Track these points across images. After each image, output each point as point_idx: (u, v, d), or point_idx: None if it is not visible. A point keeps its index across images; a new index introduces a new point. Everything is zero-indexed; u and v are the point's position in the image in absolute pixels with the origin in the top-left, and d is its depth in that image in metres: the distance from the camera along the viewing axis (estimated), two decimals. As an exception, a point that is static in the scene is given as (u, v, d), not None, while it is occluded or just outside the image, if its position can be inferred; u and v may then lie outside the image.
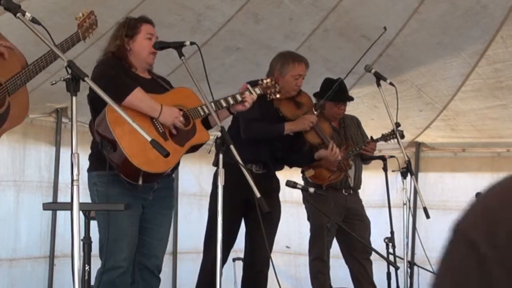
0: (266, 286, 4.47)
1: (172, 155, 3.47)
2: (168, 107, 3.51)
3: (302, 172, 5.38)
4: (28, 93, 3.36)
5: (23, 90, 3.26)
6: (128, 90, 3.42)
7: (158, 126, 3.49)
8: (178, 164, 3.68)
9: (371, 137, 5.35)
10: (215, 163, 4.44)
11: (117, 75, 3.52)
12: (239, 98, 3.76)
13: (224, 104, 3.71)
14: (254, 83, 3.94)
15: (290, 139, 4.52)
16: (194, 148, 3.67)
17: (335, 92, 5.28)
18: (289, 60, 4.41)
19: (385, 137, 5.17)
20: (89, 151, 3.69)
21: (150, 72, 3.80)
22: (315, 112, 4.69)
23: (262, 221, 4.31)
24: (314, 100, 4.95)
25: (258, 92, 3.90)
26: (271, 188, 4.38)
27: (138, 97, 3.44)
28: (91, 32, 3.47)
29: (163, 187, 3.70)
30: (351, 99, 5.44)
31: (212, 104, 3.67)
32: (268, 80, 3.99)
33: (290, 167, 4.94)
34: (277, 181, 4.60)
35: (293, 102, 4.53)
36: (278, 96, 4.07)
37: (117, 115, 3.26)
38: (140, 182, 3.42)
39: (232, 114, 3.89)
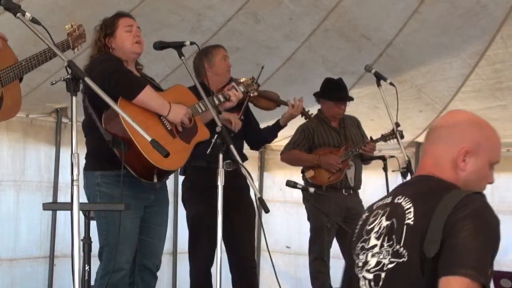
0: (258, 282, 4.48)
1: (182, 152, 3.50)
2: (176, 104, 3.52)
3: (302, 172, 5.39)
4: (20, 88, 3.36)
5: (16, 85, 3.27)
6: (139, 87, 3.43)
7: (166, 124, 3.49)
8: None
9: (371, 138, 5.35)
10: (182, 172, 4.47)
11: (127, 71, 3.53)
12: (227, 95, 3.92)
13: (216, 102, 3.80)
14: (238, 83, 4.09)
15: (244, 124, 4.52)
16: (197, 146, 3.67)
17: (335, 91, 5.30)
18: (209, 49, 4.53)
19: (384, 138, 5.17)
20: (89, 151, 3.67)
21: (140, 72, 3.80)
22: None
23: (239, 218, 4.35)
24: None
25: (242, 89, 4.07)
26: (243, 186, 4.39)
27: (148, 95, 3.45)
28: (80, 43, 3.49)
29: (161, 186, 3.71)
30: (351, 99, 5.45)
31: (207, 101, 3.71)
32: (246, 78, 4.14)
33: (258, 148, 4.96)
34: (244, 177, 4.57)
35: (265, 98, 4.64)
36: (256, 94, 4.25)
37: (128, 112, 3.25)
38: (156, 180, 3.42)
39: (220, 113, 3.98)
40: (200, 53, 4.47)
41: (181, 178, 6.74)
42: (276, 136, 4.82)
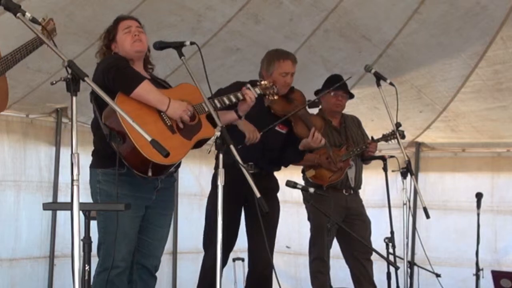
0: (271, 284, 4.46)
1: (180, 147, 3.49)
2: (176, 100, 3.52)
3: (303, 172, 5.39)
4: (7, 83, 3.38)
5: (2, 78, 3.29)
6: (136, 82, 3.43)
7: (165, 119, 3.50)
8: (180, 162, 3.68)
9: (372, 137, 5.35)
10: (217, 166, 4.45)
11: (126, 66, 3.54)
12: (240, 96, 3.87)
13: (226, 102, 3.78)
14: (253, 83, 4.03)
15: (285, 137, 4.51)
16: (199, 143, 3.67)
17: (334, 81, 5.31)
18: (274, 58, 4.42)
19: (385, 137, 5.17)
20: (89, 151, 3.68)
21: (150, 74, 3.82)
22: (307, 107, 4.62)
23: (264, 222, 4.33)
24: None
25: (258, 92, 4.02)
26: (267, 187, 4.36)
27: (146, 89, 3.45)
28: (51, 38, 3.52)
29: (165, 187, 3.70)
30: (351, 95, 5.44)
31: (216, 101, 3.71)
32: (266, 82, 4.07)
33: (286, 166, 4.91)
34: (273, 180, 4.58)
35: (285, 98, 4.54)
36: (276, 97, 4.15)
37: (126, 107, 3.28)
38: (150, 174, 3.42)
39: (239, 118, 3.96)
40: (267, 56, 4.44)
41: (181, 179, 6.80)
42: (302, 158, 4.73)
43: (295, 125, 4.50)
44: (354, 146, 5.27)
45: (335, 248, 5.26)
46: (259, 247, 4.30)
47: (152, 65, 3.85)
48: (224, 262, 4.27)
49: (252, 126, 4.24)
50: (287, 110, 4.47)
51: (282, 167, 4.73)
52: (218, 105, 3.75)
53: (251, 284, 4.50)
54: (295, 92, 4.57)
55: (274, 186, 4.55)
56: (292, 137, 4.55)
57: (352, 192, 5.30)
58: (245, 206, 4.35)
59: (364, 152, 5.30)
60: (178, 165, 3.74)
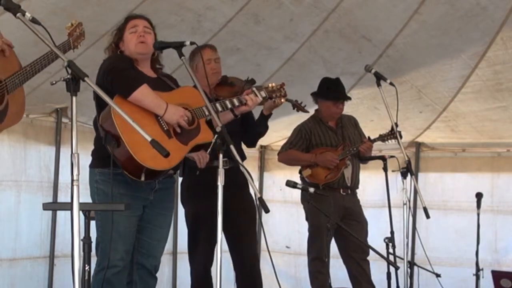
0: (261, 280, 4.49)
1: (175, 153, 3.48)
2: (174, 105, 3.51)
3: (300, 172, 5.39)
4: (24, 92, 3.38)
5: (20, 89, 3.28)
6: (135, 85, 3.43)
7: (162, 124, 3.50)
8: (180, 163, 3.68)
9: (369, 137, 5.35)
10: (181, 174, 4.45)
11: (125, 69, 3.54)
12: (243, 100, 3.86)
13: (228, 105, 3.78)
14: (259, 88, 4.02)
15: (240, 121, 4.43)
16: (197, 148, 3.66)
17: (333, 90, 5.29)
18: (194, 52, 4.44)
19: (382, 138, 5.17)
20: (89, 151, 3.69)
21: (157, 71, 3.81)
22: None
23: (241, 216, 4.35)
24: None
25: (264, 95, 3.99)
26: (242, 183, 4.35)
27: (144, 93, 3.45)
28: (79, 42, 3.53)
29: (164, 187, 3.71)
30: (349, 98, 5.45)
31: (217, 104, 3.70)
32: (273, 84, 4.06)
33: (254, 145, 4.83)
34: (242, 174, 4.55)
35: (225, 85, 4.52)
36: (283, 100, 4.12)
37: (124, 109, 3.28)
38: (143, 179, 3.42)
39: (236, 117, 3.95)
40: (189, 56, 4.44)
41: (180, 178, 6.77)
42: (267, 126, 4.63)
43: (218, 91, 4.47)
44: (351, 146, 5.28)
45: (335, 248, 5.26)
46: (246, 242, 4.42)
47: (161, 65, 3.85)
48: (211, 262, 4.29)
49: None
50: (236, 91, 4.42)
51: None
52: (220, 109, 3.74)
53: (242, 279, 4.50)
54: (229, 77, 4.56)
55: (244, 181, 4.49)
56: (246, 118, 4.49)
57: (349, 192, 5.30)
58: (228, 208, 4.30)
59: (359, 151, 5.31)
60: (177, 167, 3.74)
